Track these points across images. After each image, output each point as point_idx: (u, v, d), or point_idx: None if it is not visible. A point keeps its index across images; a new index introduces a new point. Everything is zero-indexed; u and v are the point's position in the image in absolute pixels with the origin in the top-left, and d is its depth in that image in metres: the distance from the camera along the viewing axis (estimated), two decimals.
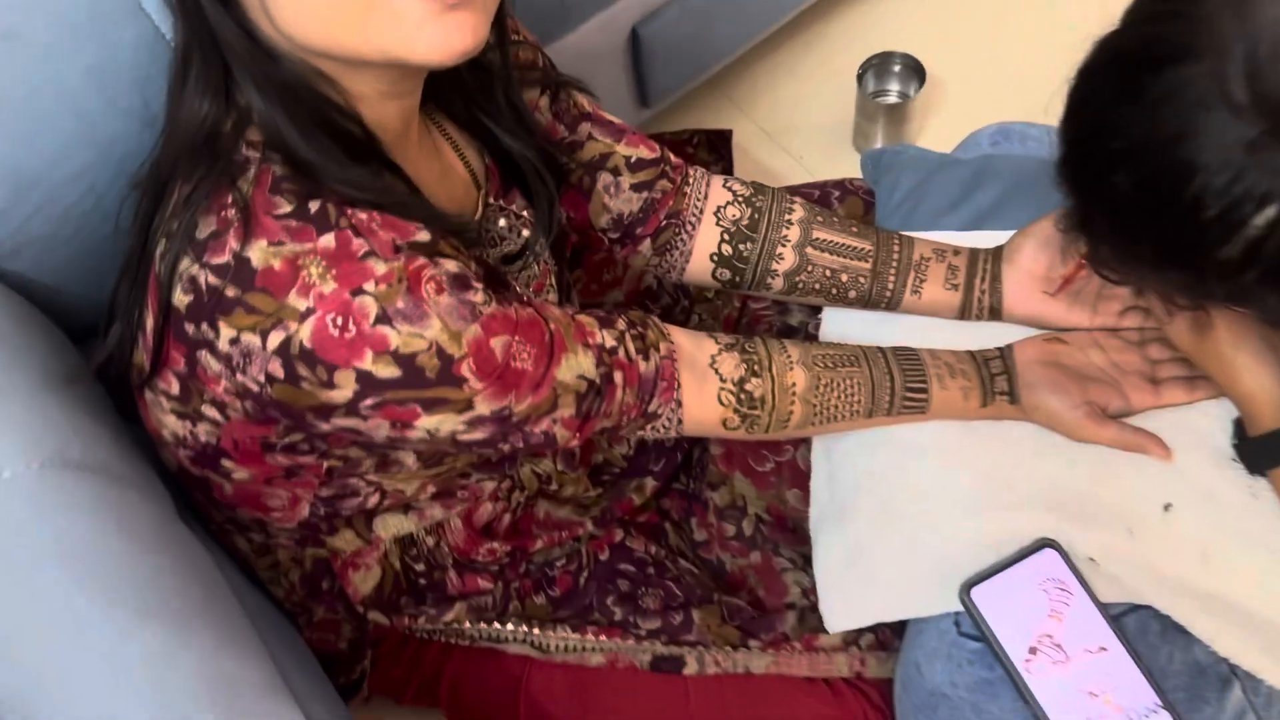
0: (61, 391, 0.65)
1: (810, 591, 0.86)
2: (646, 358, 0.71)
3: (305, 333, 0.54)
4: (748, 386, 0.75)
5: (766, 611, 0.86)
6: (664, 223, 0.84)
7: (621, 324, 0.72)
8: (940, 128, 1.64)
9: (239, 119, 0.58)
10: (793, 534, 0.90)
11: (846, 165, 1.60)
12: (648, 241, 0.84)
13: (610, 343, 0.69)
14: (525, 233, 0.77)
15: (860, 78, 1.58)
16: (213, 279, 0.55)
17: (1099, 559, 0.74)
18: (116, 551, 0.56)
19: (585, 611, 0.84)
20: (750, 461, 0.91)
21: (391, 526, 0.79)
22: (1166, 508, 0.75)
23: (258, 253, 0.55)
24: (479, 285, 0.60)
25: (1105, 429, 0.76)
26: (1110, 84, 0.55)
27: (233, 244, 0.55)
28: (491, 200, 0.75)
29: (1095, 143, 0.54)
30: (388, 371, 0.55)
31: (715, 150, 1.24)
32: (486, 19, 0.55)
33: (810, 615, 0.84)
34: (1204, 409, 0.78)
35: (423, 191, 0.65)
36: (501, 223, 0.75)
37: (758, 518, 0.90)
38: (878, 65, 1.61)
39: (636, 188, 0.82)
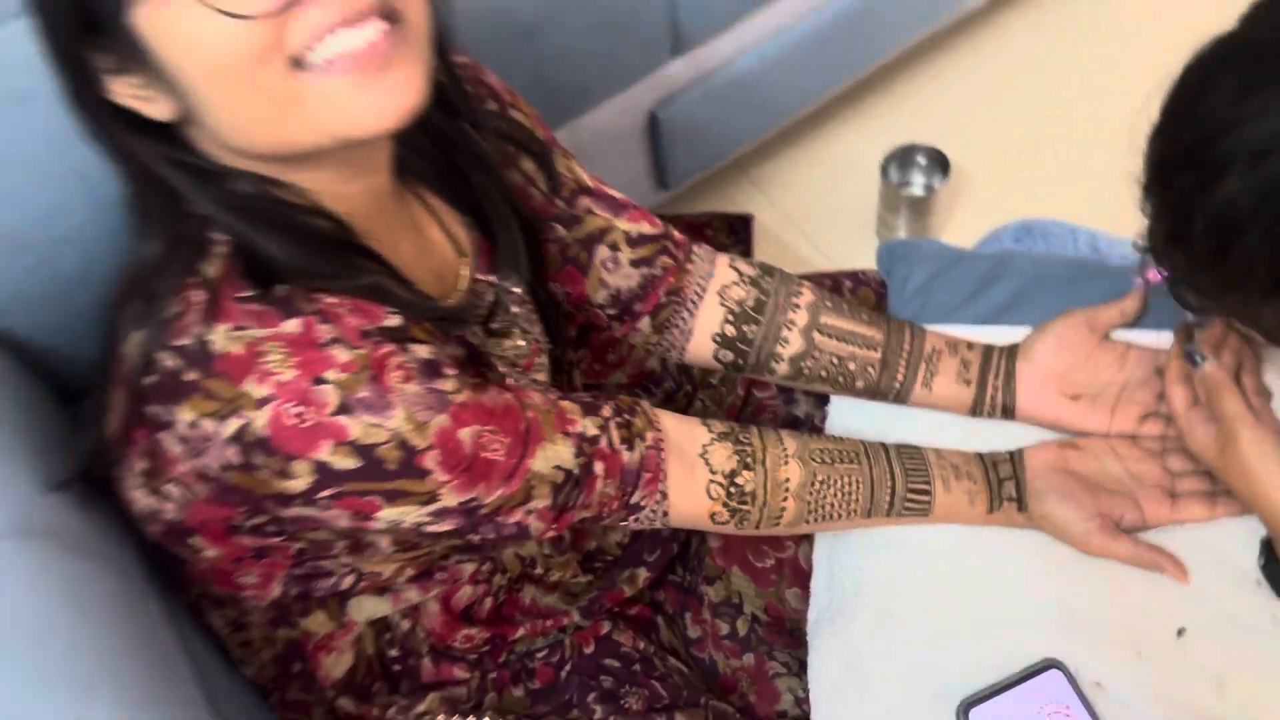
0: (33, 456, 0.64)
1: (804, 701, 0.82)
2: (631, 447, 0.69)
3: (262, 421, 0.53)
4: (739, 480, 0.72)
5: (756, 719, 0.82)
6: (664, 300, 0.82)
7: (607, 410, 0.69)
8: (964, 221, 1.62)
9: (201, 222, 0.57)
10: (790, 636, 0.86)
11: (869, 256, 1.57)
12: (646, 319, 0.82)
13: (592, 431, 0.67)
14: (515, 309, 0.75)
15: (884, 169, 1.57)
16: (173, 361, 0.54)
17: (1105, 683, 0.70)
18: (62, 625, 0.54)
19: (564, 708, 0.81)
20: (749, 556, 0.88)
21: (366, 609, 0.76)
22: (1180, 632, 0.70)
23: (219, 337, 0.54)
24: (451, 372, 0.58)
25: (1117, 543, 0.72)
26: (1230, 79, 0.50)
27: (195, 327, 0.54)
28: (479, 276, 0.73)
29: (1206, 143, 0.50)
30: (346, 463, 0.54)
31: (735, 233, 1.22)
32: (421, 70, 0.55)
33: None
34: (1226, 528, 0.73)
35: (402, 270, 0.64)
36: (490, 298, 0.73)
37: (754, 617, 0.87)
38: (901, 157, 1.60)
39: (636, 263, 0.80)
